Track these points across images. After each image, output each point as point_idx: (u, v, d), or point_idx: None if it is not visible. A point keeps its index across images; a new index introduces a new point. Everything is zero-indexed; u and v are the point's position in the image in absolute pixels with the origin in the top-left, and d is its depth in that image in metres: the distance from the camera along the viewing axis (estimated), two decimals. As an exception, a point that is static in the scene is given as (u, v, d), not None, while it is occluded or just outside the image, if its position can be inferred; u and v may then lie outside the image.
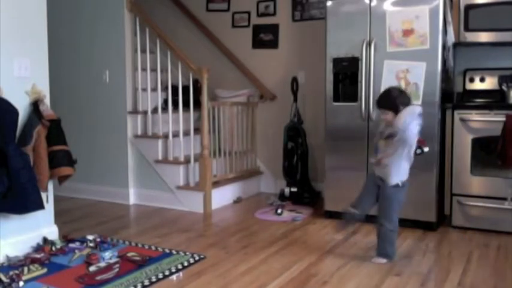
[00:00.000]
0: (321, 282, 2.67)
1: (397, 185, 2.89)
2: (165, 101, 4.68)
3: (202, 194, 4.21)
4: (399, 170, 2.87)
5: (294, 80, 4.63)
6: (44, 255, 2.99)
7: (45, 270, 2.80)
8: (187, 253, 3.11)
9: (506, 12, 3.66)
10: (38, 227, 3.20)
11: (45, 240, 3.20)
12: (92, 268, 2.82)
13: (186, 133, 4.42)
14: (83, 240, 3.28)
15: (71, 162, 3.19)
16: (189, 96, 4.36)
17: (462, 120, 3.60)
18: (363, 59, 3.72)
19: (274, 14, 4.99)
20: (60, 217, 3.56)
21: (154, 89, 4.66)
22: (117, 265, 2.86)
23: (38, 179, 2.99)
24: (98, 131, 4.70)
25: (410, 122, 2.78)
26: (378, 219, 2.98)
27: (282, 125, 4.66)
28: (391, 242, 2.96)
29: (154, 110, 4.57)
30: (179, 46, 4.51)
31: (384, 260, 2.95)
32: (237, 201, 4.63)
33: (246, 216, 4.12)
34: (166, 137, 4.45)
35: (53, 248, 3.10)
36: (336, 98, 3.89)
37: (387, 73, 3.66)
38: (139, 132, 4.55)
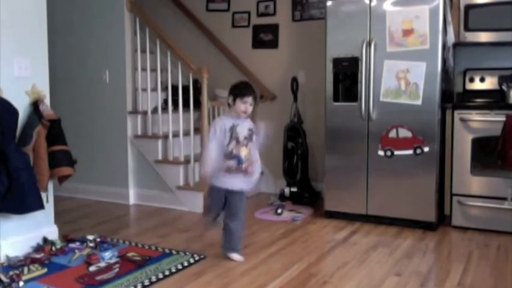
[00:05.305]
0: (321, 282, 2.67)
1: None
2: (165, 101, 4.67)
3: (202, 194, 4.20)
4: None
5: (294, 80, 4.63)
6: (44, 255, 2.99)
7: (45, 270, 2.81)
8: (187, 253, 3.11)
9: (506, 12, 3.65)
10: (38, 227, 3.20)
11: (45, 240, 3.20)
12: (92, 268, 2.82)
13: (186, 133, 4.42)
14: (83, 240, 3.28)
15: (71, 162, 3.19)
16: (189, 96, 4.36)
17: (462, 120, 3.60)
18: (363, 59, 3.72)
19: (274, 14, 4.99)
20: (60, 217, 3.56)
21: (154, 89, 4.66)
22: (117, 265, 2.86)
23: (38, 179, 2.99)
24: (98, 131, 4.70)
25: None
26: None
27: (282, 125, 4.66)
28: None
29: (154, 110, 4.57)
30: (179, 46, 4.51)
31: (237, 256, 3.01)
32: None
33: (246, 216, 4.10)
34: (166, 137, 4.45)
35: (53, 248, 3.10)
36: (336, 98, 3.89)
37: (387, 73, 3.66)
38: (139, 132, 4.55)
